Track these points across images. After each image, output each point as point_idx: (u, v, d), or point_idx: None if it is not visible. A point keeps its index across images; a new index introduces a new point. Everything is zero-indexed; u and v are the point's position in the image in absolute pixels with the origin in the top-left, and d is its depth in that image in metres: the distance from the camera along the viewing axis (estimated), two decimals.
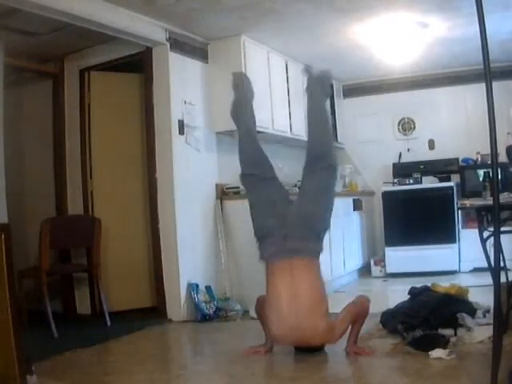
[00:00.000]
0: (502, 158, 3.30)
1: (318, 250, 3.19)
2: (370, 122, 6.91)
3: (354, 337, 3.23)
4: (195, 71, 4.94)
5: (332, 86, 3.78)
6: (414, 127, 6.87)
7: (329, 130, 3.67)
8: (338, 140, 6.77)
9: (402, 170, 6.66)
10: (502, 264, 2.37)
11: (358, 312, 3.21)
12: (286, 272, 3.04)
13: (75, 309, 5.01)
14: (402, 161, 6.80)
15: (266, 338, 3.40)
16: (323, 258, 3.33)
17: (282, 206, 3.26)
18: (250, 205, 3.39)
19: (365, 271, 6.41)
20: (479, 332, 3.20)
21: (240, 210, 4.97)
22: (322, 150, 3.39)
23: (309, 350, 3.23)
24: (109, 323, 4.41)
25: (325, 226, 3.28)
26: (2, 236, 2.54)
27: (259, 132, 5.22)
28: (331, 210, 3.32)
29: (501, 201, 2.26)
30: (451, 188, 6.18)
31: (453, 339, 3.17)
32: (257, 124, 5.13)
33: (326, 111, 3.67)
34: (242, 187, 5.00)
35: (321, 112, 3.55)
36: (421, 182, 6.41)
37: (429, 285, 3.81)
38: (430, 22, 4.83)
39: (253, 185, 3.42)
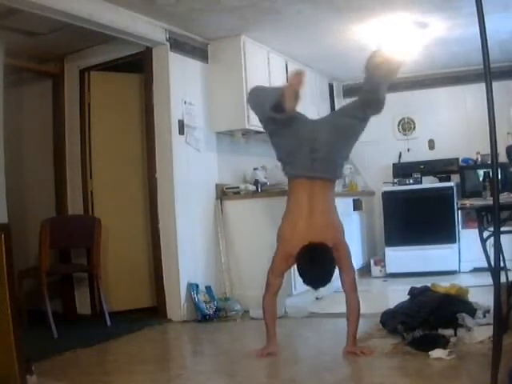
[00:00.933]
0: (502, 158, 3.31)
1: (337, 177, 3.45)
2: (370, 121, 6.85)
3: (353, 337, 3.25)
4: (195, 71, 4.94)
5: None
6: (414, 127, 6.87)
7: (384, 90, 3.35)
8: None
9: (402, 170, 6.65)
10: (502, 264, 2.37)
11: (355, 284, 3.30)
12: (306, 190, 3.24)
13: (75, 309, 5.01)
14: (402, 161, 6.80)
15: (269, 339, 3.36)
16: None
17: (304, 130, 3.29)
18: (271, 134, 3.41)
19: (365, 271, 6.40)
20: (479, 332, 3.19)
21: (240, 209, 4.99)
22: (375, 95, 3.28)
23: None
24: (109, 323, 4.41)
25: (347, 159, 3.54)
26: (2, 236, 2.54)
27: (259, 132, 5.25)
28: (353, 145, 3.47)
29: (501, 201, 2.26)
30: (451, 188, 6.18)
31: (453, 339, 3.17)
32: (256, 124, 5.15)
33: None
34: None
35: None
36: (421, 182, 6.41)
37: (429, 285, 3.81)
38: (429, 22, 4.83)
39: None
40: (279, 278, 3.33)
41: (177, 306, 4.56)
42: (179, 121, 4.67)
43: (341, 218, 3.44)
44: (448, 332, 3.23)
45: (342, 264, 3.26)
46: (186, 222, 4.65)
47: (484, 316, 3.40)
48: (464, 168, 6.33)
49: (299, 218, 3.22)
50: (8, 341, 2.52)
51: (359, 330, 3.55)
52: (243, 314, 4.60)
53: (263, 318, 3.39)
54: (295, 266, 3.28)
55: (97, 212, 4.91)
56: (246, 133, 5.21)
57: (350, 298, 3.28)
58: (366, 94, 3.33)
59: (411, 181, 6.42)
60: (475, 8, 2.13)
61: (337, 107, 6.77)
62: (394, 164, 6.79)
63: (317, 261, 3.10)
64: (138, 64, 4.79)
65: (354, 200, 6.24)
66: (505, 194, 3.12)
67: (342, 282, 3.31)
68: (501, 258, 2.28)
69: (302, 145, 3.24)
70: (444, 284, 3.90)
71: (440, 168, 6.51)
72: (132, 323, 4.43)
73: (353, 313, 3.26)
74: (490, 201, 2.56)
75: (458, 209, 5.97)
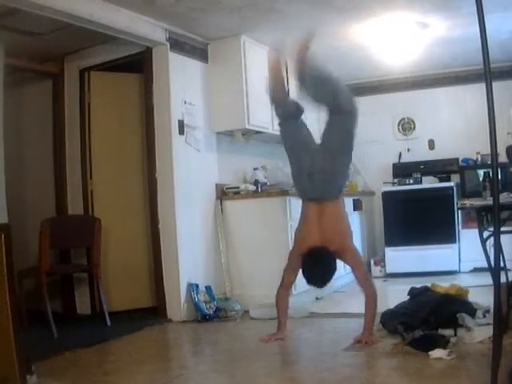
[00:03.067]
0: (502, 158, 3.31)
1: (339, 194, 3.70)
2: (370, 122, 6.90)
3: (368, 327, 3.50)
4: (195, 71, 4.94)
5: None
6: (414, 127, 6.87)
7: (336, 84, 3.69)
8: None
9: (402, 170, 6.65)
10: (502, 264, 2.37)
11: (366, 278, 3.67)
12: (315, 205, 3.60)
13: (75, 309, 5.01)
14: (401, 161, 6.80)
15: (279, 326, 3.73)
16: None
17: (305, 158, 3.64)
18: (286, 152, 3.82)
19: None
20: (479, 332, 3.20)
21: (240, 210, 4.99)
22: (336, 102, 3.54)
23: None
24: (109, 323, 4.41)
25: (345, 179, 3.81)
26: (2, 236, 2.54)
27: (259, 132, 5.25)
28: (350, 161, 3.76)
29: (501, 201, 2.26)
30: (451, 188, 6.18)
31: (453, 339, 3.17)
32: (256, 124, 5.16)
33: (327, 73, 3.71)
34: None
35: (321, 74, 3.65)
36: (421, 182, 6.41)
37: (429, 285, 3.82)
38: (429, 22, 4.83)
39: (289, 132, 3.79)
40: (293, 275, 3.70)
41: (177, 305, 4.56)
42: (179, 121, 4.67)
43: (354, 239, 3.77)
44: (448, 332, 3.23)
45: (351, 264, 3.66)
46: (186, 222, 4.65)
47: (484, 316, 3.40)
48: (464, 168, 6.33)
49: (312, 223, 3.60)
50: (8, 341, 2.52)
51: (360, 329, 3.56)
52: (243, 314, 4.60)
53: (276, 308, 3.77)
54: None
55: (97, 212, 4.91)
56: (246, 133, 5.21)
57: (364, 291, 3.60)
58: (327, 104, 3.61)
59: (411, 181, 6.42)
60: (475, 8, 2.13)
61: None
62: (394, 164, 6.79)
63: (317, 261, 3.48)
64: (138, 64, 4.79)
65: (354, 200, 6.24)
66: (505, 193, 3.12)
67: (356, 279, 3.67)
68: (501, 258, 2.28)
69: (302, 170, 3.66)
70: (444, 284, 3.90)
71: (440, 168, 6.52)
72: (132, 323, 4.43)
73: (367, 304, 3.55)
74: (490, 201, 2.56)
75: (458, 209, 5.97)
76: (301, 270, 3.57)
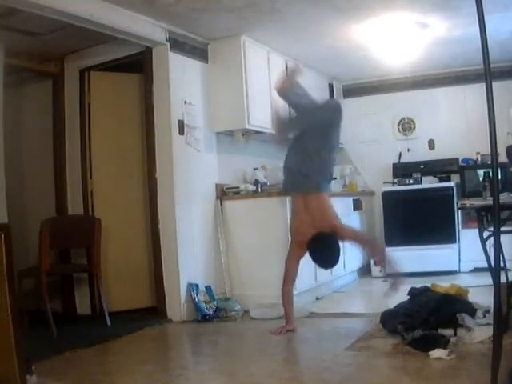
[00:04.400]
0: (502, 158, 3.31)
1: (318, 191, 3.93)
2: (370, 122, 6.92)
3: (379, 251, 4.23)
4: (195, 71, 4.94)
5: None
6: (414, 127, 6.87)
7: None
8: None
9: (402, 170, 6.65)
10: (502, 264, 2.37)
11: (369, 241, 4.21)
12: (301, 199, 3.94)
13: (75, 309, 5.01)
14: (401, 161, 6.80)
15: (288, 319, 3.92)
16: None
17: (291, 160, 3.99)
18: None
19: (365, 271, 6.40)
20: (479, 332, 3.20)
21: (240, 209, 4.99)
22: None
23: None
24: (109, 323, 4.41)
25: (324, 176, 3.98)
26: (2, 236, 2.54)
27: (259, 132, 5.26)
28: (331, 157, 4.02)
29: (501, 201, 2.26)
30: (451, 188, 6.18)
31: (453, 339, 3.17)
32: (256, 124, 5.17)
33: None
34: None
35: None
36: (421, 182, 6.41)
37: (429, 285, 3.82)
38: (430, 22, 4.83)
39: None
40: (296, 264, 3.95)
41: (177, 305, 4.56)
42: (179, 121, 4.67)
43: (341, 218, 3.97)
44: (448, 332, 3.23)
45: (351, 238, 4.03)
46: (186, 222, 4.65)
47: (484, 316, 3.40)
48: (464, 168, 6.33)
49: (301, 215, 3.92)
50: (8, 341, 2.52)
51: (360, 329, 3.56)
52: (243, 314, 4.60)
53: (282, 303, 3.98)
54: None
55: (97, 212, 4.91)
56: (246, 133, 5.21)
57: (371, 247, 4.22)
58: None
59: (411, 181, 6.42)
60: (475, 8, 2.13)
61: None
62: (394, 164, 6.79)
63: (323, 245, 3.79)
64: (138, 64, 4.79)
65: (353, 200, 6.24)
66: (505, 193, 3.12)
67: (362, 248, 4.27)
68: (501, 258, 2.28)
69: (286, 168, 4.02)
70: (444, 284, 3.90)
71: (440, 168, 6.52)
72: (132, 323, 4.43)
73: (373, 246, 4.27)
74: (490, 201, 2.57)
75: (458, 209, 5.97)
76: (310, 257, 3.84)
